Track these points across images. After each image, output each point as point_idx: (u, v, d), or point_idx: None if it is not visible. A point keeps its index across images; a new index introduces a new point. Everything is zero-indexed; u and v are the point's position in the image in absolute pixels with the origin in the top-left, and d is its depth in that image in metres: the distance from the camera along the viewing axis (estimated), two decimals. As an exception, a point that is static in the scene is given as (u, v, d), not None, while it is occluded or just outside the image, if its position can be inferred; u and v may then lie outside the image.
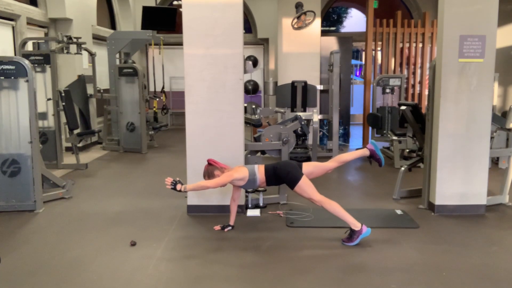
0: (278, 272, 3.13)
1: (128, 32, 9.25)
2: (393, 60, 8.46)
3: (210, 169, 3.80)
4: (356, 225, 3.56)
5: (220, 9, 4.19)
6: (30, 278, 3.04)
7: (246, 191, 4.49)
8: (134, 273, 3.12)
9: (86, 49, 7.26)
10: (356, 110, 10.26)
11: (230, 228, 3.93)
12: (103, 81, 8.81)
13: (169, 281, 3.02)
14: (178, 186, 3.54)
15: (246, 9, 11.03)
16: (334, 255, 3.42)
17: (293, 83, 7.16)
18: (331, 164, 3.90)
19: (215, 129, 4.32)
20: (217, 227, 3.94)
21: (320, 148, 7.53)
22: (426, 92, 8.41)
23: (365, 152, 3.91)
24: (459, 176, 4.34)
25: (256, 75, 11.32)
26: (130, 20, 10.64)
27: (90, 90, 8.02)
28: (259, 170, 3.78)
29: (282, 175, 3.73)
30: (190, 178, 4.34)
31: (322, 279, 3.02)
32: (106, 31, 9.27)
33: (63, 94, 6.27)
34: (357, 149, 4.16)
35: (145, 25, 9.09)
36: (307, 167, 3.79)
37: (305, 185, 3.65)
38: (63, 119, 6.44)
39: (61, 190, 4.90)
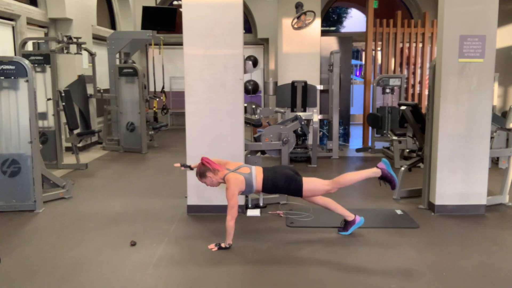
0: (278, 272, 3.13)
1: (128, 32, 9.24)
2: (393, 60, 8.46)
3: (203, 169, 3.64)
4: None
5: (220, 9, 4.19)
6: (30, 278, 3.04)
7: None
8: (134, 273, 3.12)
9: (86, 49, 7.26)
10: (356, 110, 10.26)
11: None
12: (103, 81, 8.81)
13: (169, 281, 3.02)
14: (223, 244, 3.50)
15: (246, 9, 11.02)
16: (334, 255, 3.42)
17: (293, 83, 7.15)
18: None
19: (215, 129, 4.32)
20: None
21: (320, 148, 7.53)
22: (426, 92, 8.41)
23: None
24: (459, 176, 4.34)
25: (256, 75, 11.31)
26: (130, 20, 10.64)
27: (90, 90, 8.02)
28: (257, 180, 3.64)
29: (283, 188, 3.66)
30: (190, 178, 4.35)
31: (322, 279, 3.02)
32: (106, 31, 9.27)
33: (63, 94, 6.27)
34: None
35: (145, 25, 9.09)
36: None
37: (310, 184, 3.64)
38: (63, 119, 6.44)
39: (61, 190, 4.90)
